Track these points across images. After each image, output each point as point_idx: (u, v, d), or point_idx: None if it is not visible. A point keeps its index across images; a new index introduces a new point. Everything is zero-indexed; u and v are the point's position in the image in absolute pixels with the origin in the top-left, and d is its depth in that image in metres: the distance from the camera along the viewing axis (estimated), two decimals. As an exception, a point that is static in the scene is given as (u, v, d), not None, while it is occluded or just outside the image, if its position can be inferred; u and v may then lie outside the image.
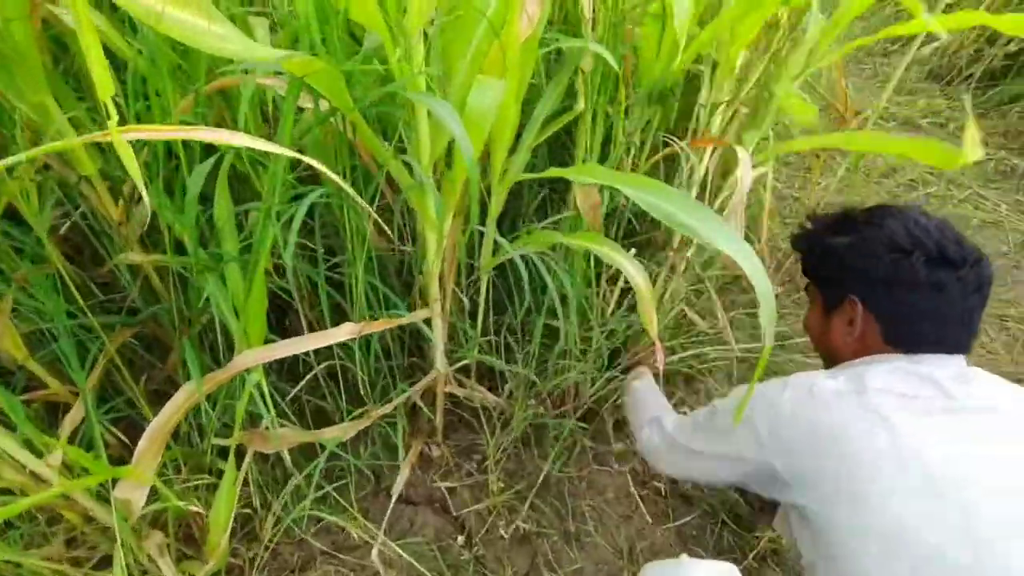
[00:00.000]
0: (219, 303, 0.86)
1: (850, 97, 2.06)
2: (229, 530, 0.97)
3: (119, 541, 0.80)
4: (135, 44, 0.72)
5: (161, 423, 0.82)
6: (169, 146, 0.81)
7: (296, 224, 0.74)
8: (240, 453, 1.02)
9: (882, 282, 0.81)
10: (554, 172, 0.83)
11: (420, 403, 1.23)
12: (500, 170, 0.92)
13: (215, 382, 0.85)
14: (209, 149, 0.80)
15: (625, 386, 1.30)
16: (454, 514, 1.30)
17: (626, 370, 1.38)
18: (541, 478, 1.34)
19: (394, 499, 1.20)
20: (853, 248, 0.85)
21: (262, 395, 0.93)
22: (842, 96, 2.05)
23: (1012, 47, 3.07)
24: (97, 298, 0.99)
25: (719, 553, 1.28)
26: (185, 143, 0.78)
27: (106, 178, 0.88)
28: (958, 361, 0.79)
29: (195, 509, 0.94)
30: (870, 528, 0.70)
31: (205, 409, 0.91)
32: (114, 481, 0.78)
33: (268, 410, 0.96)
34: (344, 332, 0.85)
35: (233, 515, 0.98)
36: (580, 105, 1.04)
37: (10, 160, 0.47)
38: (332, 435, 1.01)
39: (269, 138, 0.61)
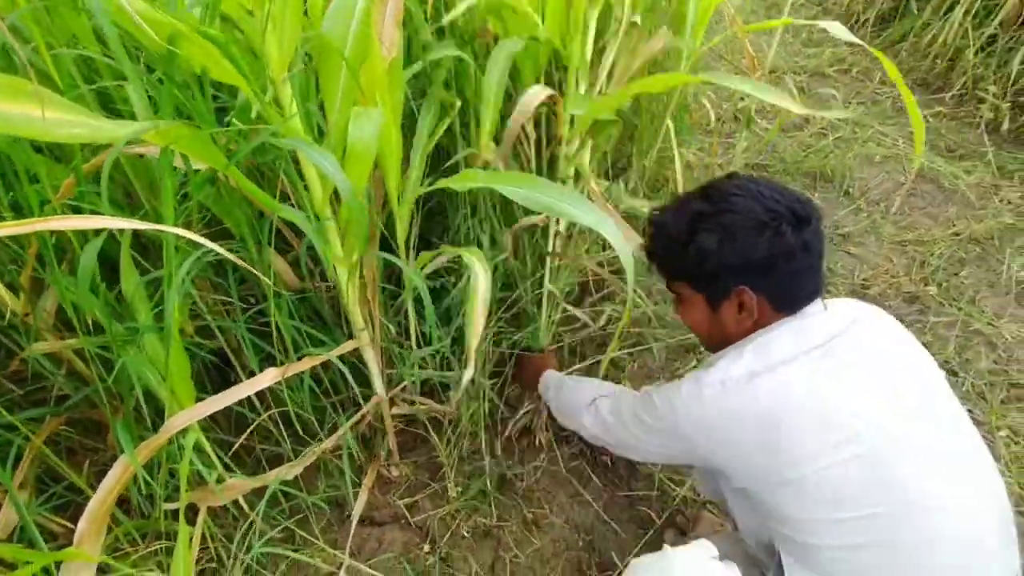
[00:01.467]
0: (144, 373, 0.87)
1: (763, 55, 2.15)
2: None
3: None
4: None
5: (100, 500, 0.83)
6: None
7: (177, 287, 0.75)
8: (196, 510, 1.03)
9: (763, 263, 0.83)
10: (441, 183, 0.87)
11: (369, 430, 1.25)
12: (396, 193, 0.95)
13: (151, 448, 0.86)
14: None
15: (544, 395, 1.31)
16: (418, 526, 1.34)
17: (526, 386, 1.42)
18: (497, 475, 1.39)
19: (354, 523, 1.23)
20: (725, 243, 0.83)
21: (202, 452, 0.94)
22: (748, 55, 2.09)
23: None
24: (14, 393, 0.98)
25: (666, 511, 1.36)
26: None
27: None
28: (819, 302, 0.86)
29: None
30: (805, 487, 0.77)
31: (144, 479, 0.92)
32: (58, 566, 0.79)
33: (213, 466, 0.97)
34: (268, 377, 0.87)
35: (197, 572, 1.00)
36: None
37: None
38: (277, 476, 1.03)
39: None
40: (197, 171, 0.76)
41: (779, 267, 0.83)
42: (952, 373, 1.66)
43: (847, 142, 2.60)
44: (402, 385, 1.29)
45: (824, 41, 3.46)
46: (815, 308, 0.85)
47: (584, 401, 1.11)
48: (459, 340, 1.32)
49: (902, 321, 1.69)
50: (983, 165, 2.43)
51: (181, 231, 0.57)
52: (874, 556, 0.76)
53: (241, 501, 1.15)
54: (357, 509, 1.22)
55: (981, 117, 2.67)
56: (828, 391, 0.77)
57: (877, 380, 0.79)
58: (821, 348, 0.79)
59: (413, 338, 1.23)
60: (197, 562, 1.11)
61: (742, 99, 2.87)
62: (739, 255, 0.83)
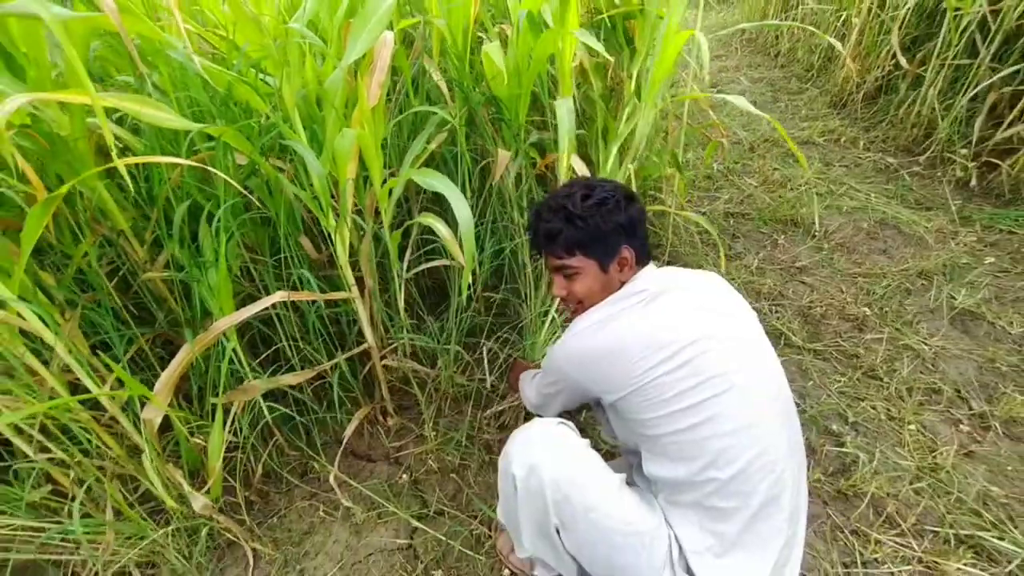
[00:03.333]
0: (203, 291, 1.34)
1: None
2: (221, 461, 1.40)
3: (147, 447, 1.24)
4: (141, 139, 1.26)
5: (169, 373, 1.28)
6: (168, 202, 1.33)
7: (226, 230, 1.23)
8: (228, 409, 1.46)
9: (636, 226, 1.14)
10: (406, 175, 1.33)
11: (370, 378, 1.66)
12: (379, 181, 1.41)
13: (203, 343, 1.31)
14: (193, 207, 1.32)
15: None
16: (400, 461, 1.70)
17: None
18: (467, 431, 1.74)
19: (345, 440, 1.62)
20: (613, 212, 1.12)
21: (236, 361, 1.39)
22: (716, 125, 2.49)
23: (879, 73, 3.63)
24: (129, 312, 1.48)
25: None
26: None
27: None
28: (652, 264, 1.19)
29: (198, 441, 1.37)
30: (647, 392, 0.99)
31: (201, 368, 1.37)
32: (142, 406, 1.23)
33: (243, 371, 1.41)
34: (275, 297, 1.32)
35: (223, 454, 1.41)
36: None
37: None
38: (288, 381, 1.46)
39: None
40: (241, 166, 1.26)
41: (640, 229, 1.15)
42: (877, 379, 1.89)
43: (822, 195, 2.91)
44: (393, 346, 1.71)
45: (819, 116, 3.84)
46: (649, 268, 1.17)
47: (528, 378, 1.47)
48: (444, 325, 1.74)
49: (839, 336, 1.99)
50: (945, 214, 2.68)
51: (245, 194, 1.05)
52: (703, 430, 0.96)
53: (266, 413, 1.57)
54: (349, 430, 1.62)
55: (954, 175, 2.92)
56: (656, 320, 1.02)
57: (696, 311, 1.05)
58: (652, 292, 1.09)
59: (401, 308, 1.66)
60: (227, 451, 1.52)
61: (735, 162, 3.28)
62: (621, 219, 1.12)
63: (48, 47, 1.10)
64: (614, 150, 1.82)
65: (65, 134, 1.21)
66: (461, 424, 1.77)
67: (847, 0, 4.11)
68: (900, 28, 3.44)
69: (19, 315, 1.03)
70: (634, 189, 1.84)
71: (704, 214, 2.87)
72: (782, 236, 2.64)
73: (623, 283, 1.17)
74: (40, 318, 1.09)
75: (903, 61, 3.32)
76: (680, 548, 1.00)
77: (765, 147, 3.48)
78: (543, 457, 1.03)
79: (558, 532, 1.06)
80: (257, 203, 1.45)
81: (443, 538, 1.48)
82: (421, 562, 1.43)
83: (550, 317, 1.75)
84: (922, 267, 2.35)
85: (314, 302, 1.55)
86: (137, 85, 1.27)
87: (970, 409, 1.75)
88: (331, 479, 1.55)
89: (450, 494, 1.62)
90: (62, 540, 1.33)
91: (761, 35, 5.53)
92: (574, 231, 1.15)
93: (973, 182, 2.83)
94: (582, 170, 1.61)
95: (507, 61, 1.52)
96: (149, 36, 1.19)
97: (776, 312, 2.18)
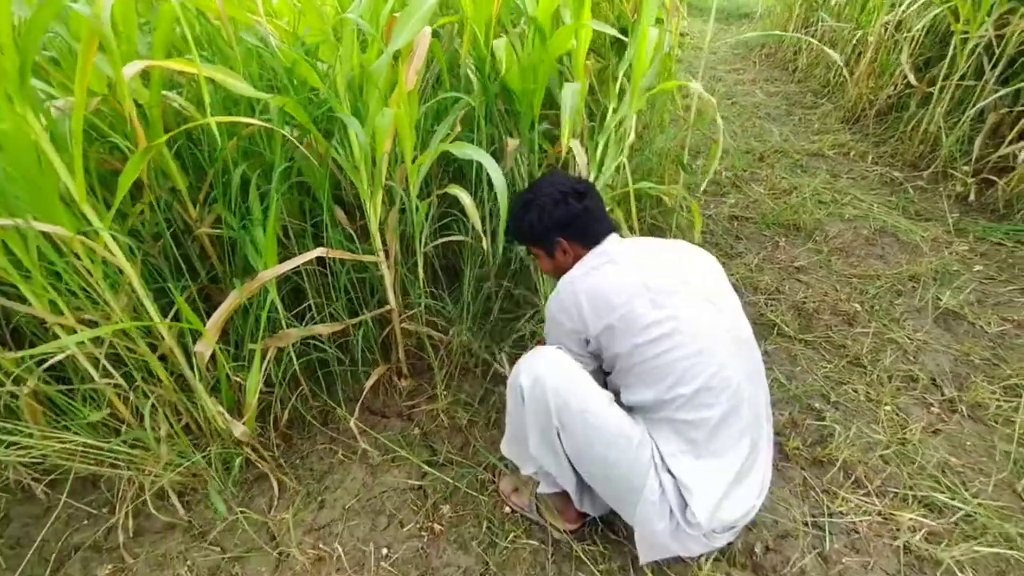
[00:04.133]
0: (249, 247, 1.53)
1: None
2: (256, 399, 1.58)
3: (196, 378, 1.43)
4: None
5: (219, 313, 1.46)
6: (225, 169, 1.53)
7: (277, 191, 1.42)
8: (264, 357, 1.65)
9: (561, 222, 1.33)
10: (439, 148, 1.52)
11: (389, 340, 1.84)
12: (410, 157, 1.59)
13: (249, 290, 1.49)
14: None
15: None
16: (412, 418, 1.87)
17: None
18: (480, 394, 1.91)
19: (367, 390, 1.79)
20: (539, 216, 1.34)
21: (275, 306, 1.57)
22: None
23: (892, 91, 3.76)
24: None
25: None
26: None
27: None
28: (616, 236, 1.35)
29: (238, 379, 1.56)
30: (618, 327, 1.20)
31: (245, 310, 1.55)
32: (195, 340, 1.42)
33: (279, 313, 1.59)
34: (316, 252, 1.50)
35: (258, 396, 1.59)
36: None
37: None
38: (320, 330, 1.64)
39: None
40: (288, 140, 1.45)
41: (574, 223, 1.34)
42: (861, 367, 2.03)
43: (826, 204, 3.04)
44: (411, 313, 1.89)
45: (830, 130, 3.97)
46: (612, 239, 1.35)
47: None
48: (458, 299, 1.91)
49: (829, 329, 2.13)
50: (942, 225, 2.80)
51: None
52: (668, 356, 1.15)
53: (295, 362, 1.75)
54: (368, 384, 1.79)
55: (954, 189, 3.04)
56: (627, 273, 1.23)
57: (663, 267, 1.25)
58: (613, 254, 1.29)
59: (421, 276, 1.83)
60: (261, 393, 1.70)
61: (744, 170, 3.43)
62: (548, 221, 1.34)
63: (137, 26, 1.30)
64: (601, 143, 1.98)
65: (143, 102, 1.41)
66: (469, 386, 1.94)
67: (864, 19, 4.25)
68: (911, 48, 3.57)
69: (106, 246, 1.21)
70: (630, 183, 2.01)
71: (709, 216, 3.02)
72: (783, 239, 2.78)
73: (578, 258, 1.36)
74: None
75: (913, 80, 3.45)
76: (661, 455, 1.18)
77: (775, 157, 3.62)
78: (546, 370, 1.22)
79: (559, 436, 1.24)
80: (299, 173, 1.64)
81: (450, 480, 1.64)
82: (430, 499, 1.60)
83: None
84: (914, 271, 2.48)
85: (344, 264, 1.73)
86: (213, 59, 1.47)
87: (942, 395, 1.88)
88: (352, 425, 1.72)
89: (458, 446, 1.78)
90: (115, 458, 1.52)
91: (780, 50, 5.67)
92: (515, 230, 1.47)
93: (971, 197, 2.95)
94: (579, 153, 1.78)
95: (522, 56, 1.69)
96: (237, 18, 1.38)
97: (771, 305, 2.32)
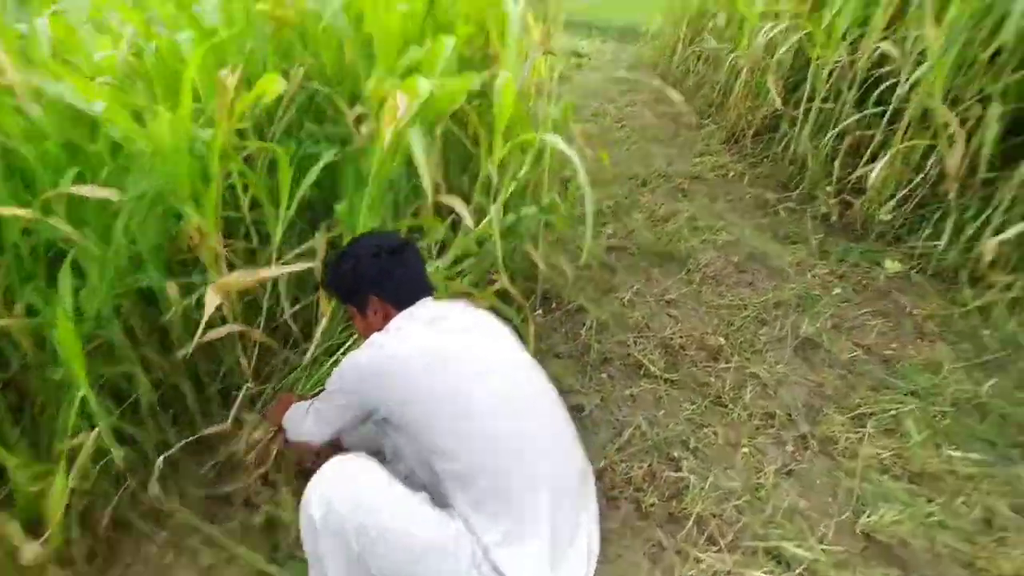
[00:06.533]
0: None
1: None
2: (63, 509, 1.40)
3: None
4: None
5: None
6: None
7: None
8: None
9: (374, 279, 1.29)
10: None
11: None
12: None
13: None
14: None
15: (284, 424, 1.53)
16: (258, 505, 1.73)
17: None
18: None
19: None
20: (350, 273, 1.32)
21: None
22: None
23: (767, 112, 3.92)
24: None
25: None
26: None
27: None
28: (430, 299, 1.31)
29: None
30: (421, 408, 1.16)
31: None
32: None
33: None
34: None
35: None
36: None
37: None
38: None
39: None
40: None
41: (385, 280, 1.29)
42: (723, 406, 2.04)
43: (701, 230, 3.11)
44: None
45: (712, 152, 4.10)
46: (426, 302, 1.30)
47: (301, 407, 1.44)
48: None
49: (694, 366, 2.13)
50: (807, 248, 2.91)
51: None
52: (462, 424, 1.12)
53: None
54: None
55: (818, 211, 3.18)
56: (426, 343, 1.19)
57: (463, 337, 1.23)
58: (427, 322, 1.24)
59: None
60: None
61: (625, 198, 3.46)
62: (358, 278, 1.31)
63: None
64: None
65: None
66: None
67: (738, 41, 4.42)
68: (778, 71, 3.72)
69: None
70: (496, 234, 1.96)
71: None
72: (657, 269, 2.80)
73: (388, 318, 1.30)
74: None
75: (778, 102, 3.59)
76: (484, 546, 1.09)
77: (657, 181, 3.68)
78: (335, 492, 1.12)
79: (368, 560, 1.12)
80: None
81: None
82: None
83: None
84: (779, 298, 2.55)
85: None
86: None
87: (797, 431, 1.92)
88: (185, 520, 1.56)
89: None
90: None
91: (671, 70, 5.83)
92: (329, 282, 1.44)
93: (834, 218, 3.09)
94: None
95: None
96: None
97: (639, 344, 2.31)
